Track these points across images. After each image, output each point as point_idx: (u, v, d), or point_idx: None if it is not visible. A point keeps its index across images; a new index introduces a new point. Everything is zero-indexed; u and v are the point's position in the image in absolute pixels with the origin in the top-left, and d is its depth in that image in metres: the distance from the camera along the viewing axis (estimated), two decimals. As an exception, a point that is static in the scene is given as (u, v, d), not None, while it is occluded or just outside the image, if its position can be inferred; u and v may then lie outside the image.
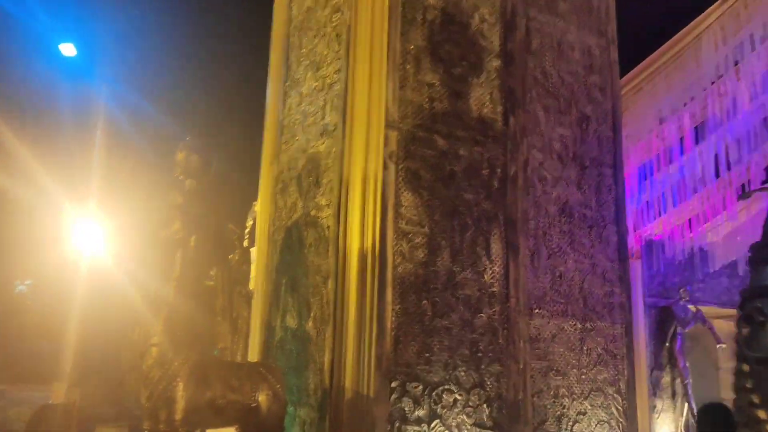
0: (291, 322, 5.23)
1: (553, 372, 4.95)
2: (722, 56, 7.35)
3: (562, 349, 5.02)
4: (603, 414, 5.14)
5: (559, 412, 4.92)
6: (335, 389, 4.45)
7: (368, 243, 4.45)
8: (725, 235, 9.62)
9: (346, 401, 4.36)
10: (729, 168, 8.16)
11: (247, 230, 7.46)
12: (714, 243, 9.77)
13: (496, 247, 4.87)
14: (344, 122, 4.90)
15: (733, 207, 8.98)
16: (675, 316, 9.32)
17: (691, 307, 9.46)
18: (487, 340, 4.69)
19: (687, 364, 9.26)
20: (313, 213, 5.15)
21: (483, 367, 4.63)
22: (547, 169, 5.29)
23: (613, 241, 5.53)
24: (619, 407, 5.21)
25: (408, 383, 4.34)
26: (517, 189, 5.05)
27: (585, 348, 5.14)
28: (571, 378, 5.03)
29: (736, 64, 7.52)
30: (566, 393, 4.98)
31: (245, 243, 6.52)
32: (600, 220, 5.49)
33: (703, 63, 7.38)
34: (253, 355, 5.42)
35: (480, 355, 4.63)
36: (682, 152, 8.03)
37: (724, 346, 9.44)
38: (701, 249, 9.86)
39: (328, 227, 4.86)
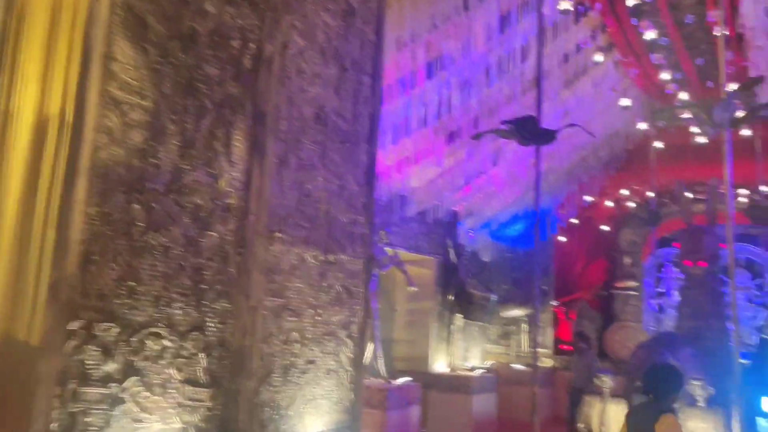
0: None
1: (288, 312, 3.96)
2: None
3: (301, 285, 4.06)
4: (332, 362, 4.36)
5: (287, 362, 3.97)
6: (-32, 331, 2.79)
7: (53, 107, 2.83)
8: (428, 181, 9.75)
9: (-14, 350, 2.74)
10: (449, 111, 8.08)
11: None
12: (415, 188, 9.85)
13: (240, 146, 3.63)
14: None
15: (441, 152, 9.06)
16: (373, 257, 9.16)
17: (388, 249, 9.40)
18: (216, 267, 3.46)
19: (378, 306, 9.20)
20: (-48, 53, 3.21)
21: (206, 303, 3.41)
22: (307, 61, 4.19)
23: (362, 162, 4.73)
24: (350, 354, 4.50)
25: (97, 324, 2.90)
26: (272, 76, 3.86)
27: (325, 284, 4.27)
28: (306, 320, 4.11)
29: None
30: (298, 338, 4.05)
31: None
32: (353, 136, 4.63)
33: (456, -13, 7.04)
34: None
35: (204, 287, 3.39)
36: (413, 86, 7.67)
37: (415, 289, 9.64)
38: (402, 192, 9.87)
39: (-20, 76, 3.03)
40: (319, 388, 4.21)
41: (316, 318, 4.20)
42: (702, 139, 10.37)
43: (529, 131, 5.72)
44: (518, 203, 12.64)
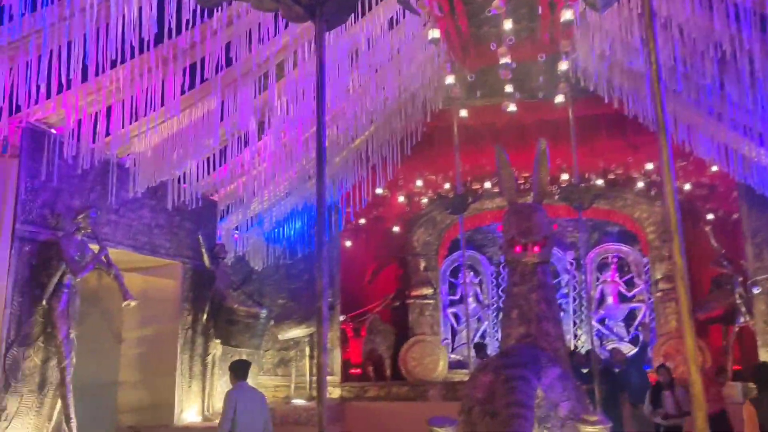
0: None
1: None
2: None
3: None
4: None
5: None
6: None
7: None
8: (157, 146, 6.58)
9: None
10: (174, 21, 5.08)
11: None
12: (143, 155, 6.62)
13: None
14: None
15: (177, 100, 5.99)
16: (64, 255, 5.77)
17: (93, 245, 6.06)
18: None
19: (72, 334, 5.79)
20: None
21: None
22: None
23: None
24: None
25: None
26: None
27: None
28: None
29: None
30: None
31: None
32: None
33: None
34: None
35: None
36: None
37: (133, 302, 6.32)
38: (122, 161, 6.60)
39: None
40: None
41: None
42: (513, 107, 8.54)
43: None
44: (295, 192, 9.93)
